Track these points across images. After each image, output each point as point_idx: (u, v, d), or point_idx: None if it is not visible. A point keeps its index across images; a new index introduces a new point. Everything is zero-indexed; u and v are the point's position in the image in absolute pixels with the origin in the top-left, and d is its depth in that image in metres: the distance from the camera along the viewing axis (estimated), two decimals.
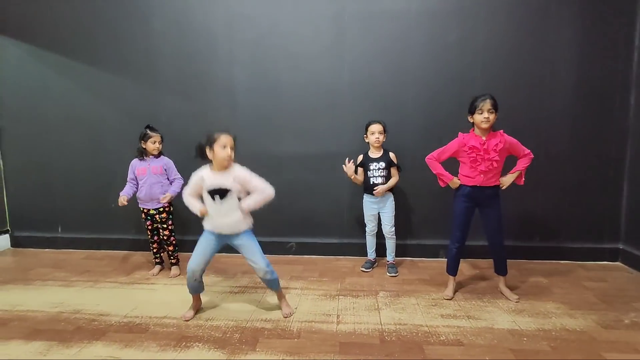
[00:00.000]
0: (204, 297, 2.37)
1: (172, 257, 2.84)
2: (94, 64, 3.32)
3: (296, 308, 2.27)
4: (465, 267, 2.91)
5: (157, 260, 2.89)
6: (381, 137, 2.71)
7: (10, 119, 3.47)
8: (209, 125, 3.17)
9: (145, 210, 2.77)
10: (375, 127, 2.71)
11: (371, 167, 2.74)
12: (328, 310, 2.25)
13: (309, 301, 2.37)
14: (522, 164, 2.31)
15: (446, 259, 2.49)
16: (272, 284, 2.18)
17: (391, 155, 2.76)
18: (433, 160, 2.39)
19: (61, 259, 3.22)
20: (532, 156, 2.31)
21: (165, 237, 2.78)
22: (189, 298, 2.39)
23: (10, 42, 3.38)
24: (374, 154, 2.77)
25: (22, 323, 2.12)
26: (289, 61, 3.13)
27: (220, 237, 2.10)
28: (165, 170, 2.75)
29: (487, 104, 2.18)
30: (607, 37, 2.89)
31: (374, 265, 2.95)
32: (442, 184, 2.42)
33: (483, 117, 2.18)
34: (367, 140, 2.78)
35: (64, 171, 3.45)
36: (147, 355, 1.80)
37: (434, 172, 2.40)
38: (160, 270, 2.88)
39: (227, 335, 1.97)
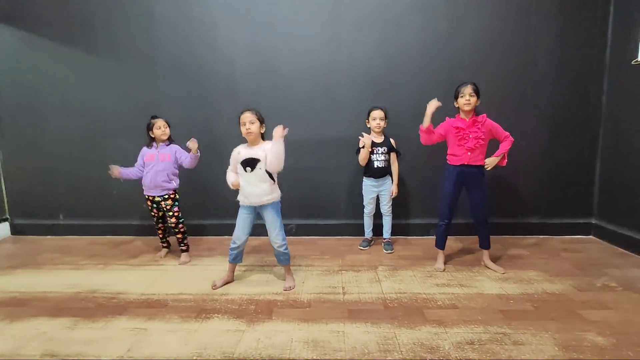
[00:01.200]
0: (213, 276, 2.51)
1: (182, 244, 2.87)
2: (91, 51, 3.34)
3: (303, 282, 2.44)
4: (454, 243, 3.14)
5: (164, 245, 2.98)
6: (382, 123, 2.87)
7: (7, 107, 3.46)
8: (209, 112, 3.33)
9: (150, 198, 2.80)
10: (377, 113, 2.87)
11: (375, 152, 2.91)
12: (333, 283, 2.44)
13: (314, 276, 2.55)
14: (504, 147, 2.48)
15: (435, 236, 2.71)
16: (283, 259, 2.39)
17: (392, 141, 2.95)
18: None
19: (65, 245, 3.28)
20: (513, 139, 2.48)
21: (172, 225, 2.82)
22: (201, 277, 2.55)
23: (4, 29, 3.35)
24: (377, 138, 2.93)
25: (43, 303, 2.22)
26: (288, 49, 3.24)
27: (252, 208, 2.33)
28: (176, 156, 2.78)
29: (468, 89, 2.40)
30: (584, 28, 3.12)
31: (371, 244, 3.14)
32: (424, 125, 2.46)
33: (464, 100, 2.40)
34: (368, 125, 2.94)
35: (64, 159, 3.48)
36: (171, 326, 1.94)
37: (425, 127, 2.45)
38: (167, 253, 2.98)
39: (243, 307, 2.13)
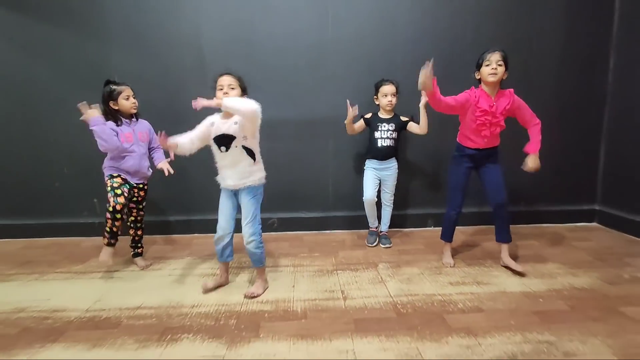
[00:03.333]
0: (181, 283, 2.05)
1: (140, 246, 2.36)
2: (20, 9, 2.69)
3: (293, 286, 2.02)
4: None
5: (113, 242, 2.05)
6: (394, 100, 2.48)
7: None
8: (170, 87, 2.79)
9: (125, 179, 2.14)
10: (389, 89, 2.46)
11: (380, 128, 2.51)
12: (329, 286, 2.03)
13: (305, 278, 2.13)
14: (537, 137, 2.10)
15: (441, 226, 2.37)
16: (254, 258, 1.94)
17: (402, 118, 2.55)
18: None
19: None
20: (540, 125, 2.13)
21: (140, 218, 2.32)
22: (166, 284, 2.08)
23: None
24: (384, 115, 2.54)
25: None
26: (265, 13, 2.76)
27: (230, 192, 1.93)
28: (151, 136, 2.29)
29: (495, 55, 2.02)
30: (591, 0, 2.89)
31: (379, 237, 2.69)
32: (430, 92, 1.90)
33: (490, 68, 2.01)
34: (377, 103, 2.55)
35: None
36: (124, 355, 1.46)
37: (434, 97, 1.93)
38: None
39: (221, 323, 1.67)
